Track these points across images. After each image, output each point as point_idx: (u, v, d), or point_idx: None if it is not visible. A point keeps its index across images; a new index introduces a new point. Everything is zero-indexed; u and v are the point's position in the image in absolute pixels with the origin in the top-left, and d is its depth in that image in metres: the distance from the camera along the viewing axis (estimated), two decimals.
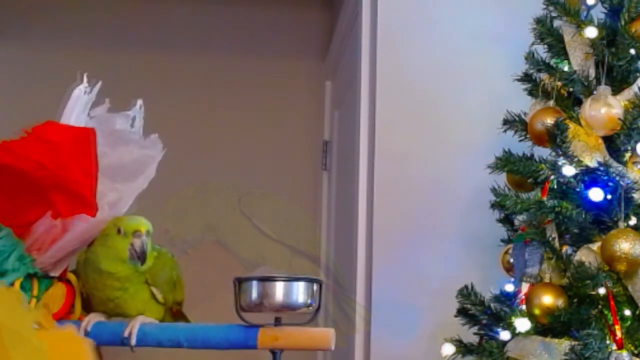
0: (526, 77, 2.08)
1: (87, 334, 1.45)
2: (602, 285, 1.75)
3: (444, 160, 2.42)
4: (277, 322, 1.41)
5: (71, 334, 1.14)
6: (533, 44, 2.08)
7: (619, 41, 1.92)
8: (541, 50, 2.07)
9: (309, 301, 1.40)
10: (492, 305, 2.00)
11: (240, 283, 1.42)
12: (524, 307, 1.88)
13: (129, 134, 1.44)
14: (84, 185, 1.35)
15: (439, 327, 2.19)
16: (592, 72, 1.94)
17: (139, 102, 1.46)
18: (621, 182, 1.79)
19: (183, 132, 3.47)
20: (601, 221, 1.82)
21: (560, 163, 1.87)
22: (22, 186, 1.34)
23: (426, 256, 2.37)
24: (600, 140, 1.88)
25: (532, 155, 2.01)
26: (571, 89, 1.98)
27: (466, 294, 2.02)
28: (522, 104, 2.09)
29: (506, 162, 2.01)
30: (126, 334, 1.50)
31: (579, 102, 1.95)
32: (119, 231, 1.45)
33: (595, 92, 1.89)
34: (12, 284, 1.27)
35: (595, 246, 1.78)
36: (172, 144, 1.49)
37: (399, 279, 2.35)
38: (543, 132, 1.90)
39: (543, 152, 1.99)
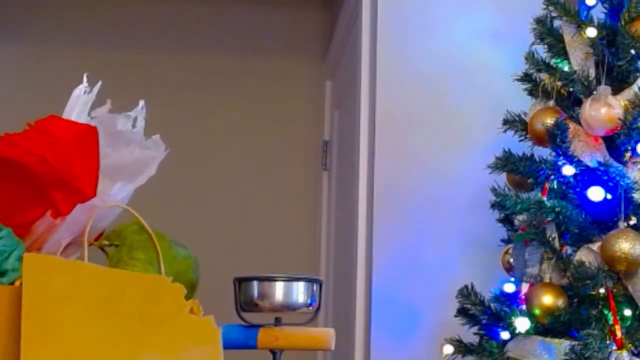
0: (526, 77, 2.08)
1: None
2: (602, 285, 1.75)
3: (444, 160, 2.42)
4: (277, 322, 1.41)
5: (210, 322, 1.20)
6: (533, 44, 2.08)
7: (619, 41, 1.92)
8: (541, 50, 2.07)
9: (309, 301, 1.40)
10: (492, 305, 2.00)
11: (240, 283, 1.42)
12: (524, 307, 1.88)
13: (131, 135, 1.44)
14: (85, 182, 1.34)
15: (439, 327, 2.19)
16: (592, 72, 1.94)
17: (141, 102, 1.46)
18: (621, 182, 1.79)
19: (183, 132, 3.47)
20: (601, 221, 1.83)
21: (560, 163, 1.87)
22: (22, 183, 1.33)
23: (426, 256, 2.37)
24: (600, 140, 1.88)
25: (532, 155, 2.01)
26: (571, 89, 1.98)
27: (466, 294, 2.02)
28: (522, 104, 2.09)
29: (506, 162, 2.01)
30: None
31: (579, 102, 1.95)
32: None
33: (595, 92, 1.89)
34: (12, 284, 1.26)
35: (595, 246, 1.79)
36: (172, 144, 1.49)
37: (399, 279, 2.35)
38: (543, 132, 1.90)
39: (543, 152, 1.99)
